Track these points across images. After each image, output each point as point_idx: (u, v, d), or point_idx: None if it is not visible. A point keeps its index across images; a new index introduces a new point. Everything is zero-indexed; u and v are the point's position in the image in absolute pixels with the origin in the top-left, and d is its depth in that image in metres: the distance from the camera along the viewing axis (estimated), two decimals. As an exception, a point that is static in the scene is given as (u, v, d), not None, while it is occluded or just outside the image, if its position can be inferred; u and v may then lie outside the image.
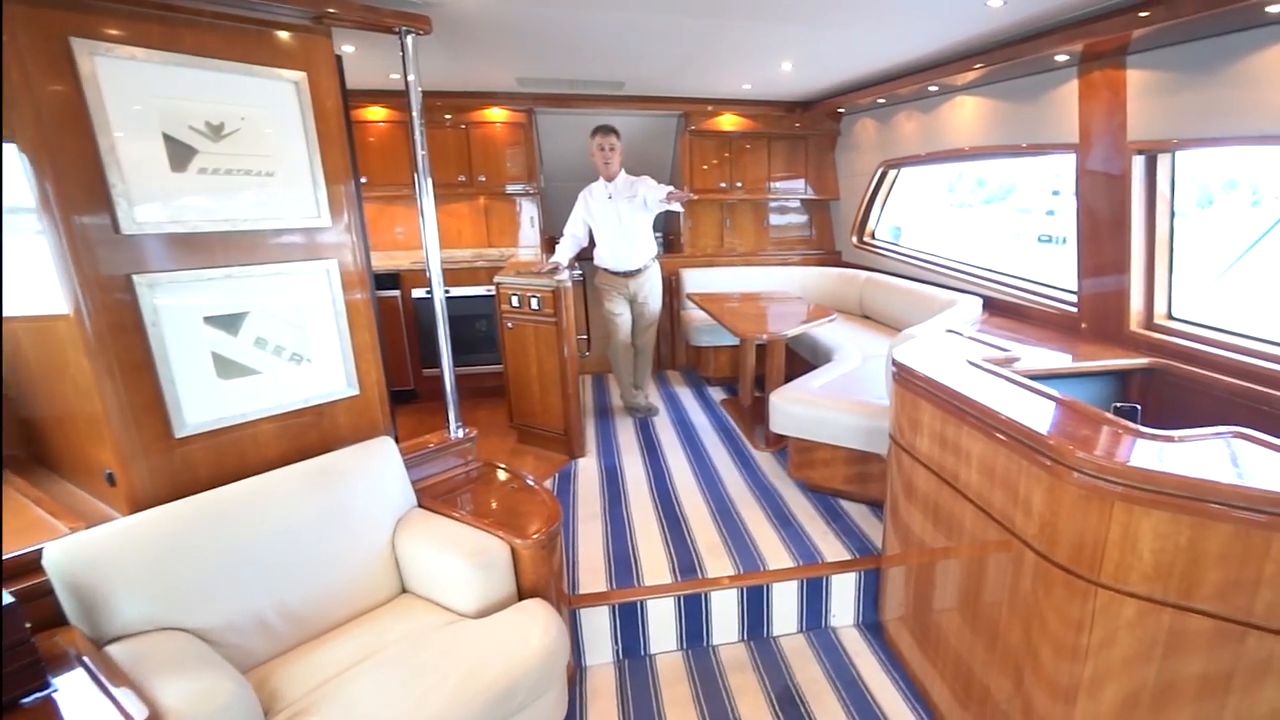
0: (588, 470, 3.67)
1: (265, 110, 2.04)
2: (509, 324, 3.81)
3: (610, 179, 4.06)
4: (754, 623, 2.61)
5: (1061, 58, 2.79)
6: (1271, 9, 1.98)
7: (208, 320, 2.00)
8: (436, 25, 2.57)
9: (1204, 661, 1.37)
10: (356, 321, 2.35)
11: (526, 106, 5.10)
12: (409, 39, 2.38)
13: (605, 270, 4.26)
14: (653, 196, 3.99)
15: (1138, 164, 2.68)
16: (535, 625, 1.91)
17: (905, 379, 2.27)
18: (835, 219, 5.90)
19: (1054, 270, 3.64)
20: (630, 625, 2.52)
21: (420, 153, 2.49)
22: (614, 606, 2.51)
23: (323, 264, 2.23)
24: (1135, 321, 2.86)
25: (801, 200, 5.94)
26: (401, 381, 4.89)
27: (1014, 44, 2.92)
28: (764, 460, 3.71)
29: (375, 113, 4.82)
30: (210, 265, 1.99)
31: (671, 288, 5.52)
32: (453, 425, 2.76)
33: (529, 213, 5.58)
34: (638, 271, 4.23)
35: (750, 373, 4.35)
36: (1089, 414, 1.74)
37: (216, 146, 1.95)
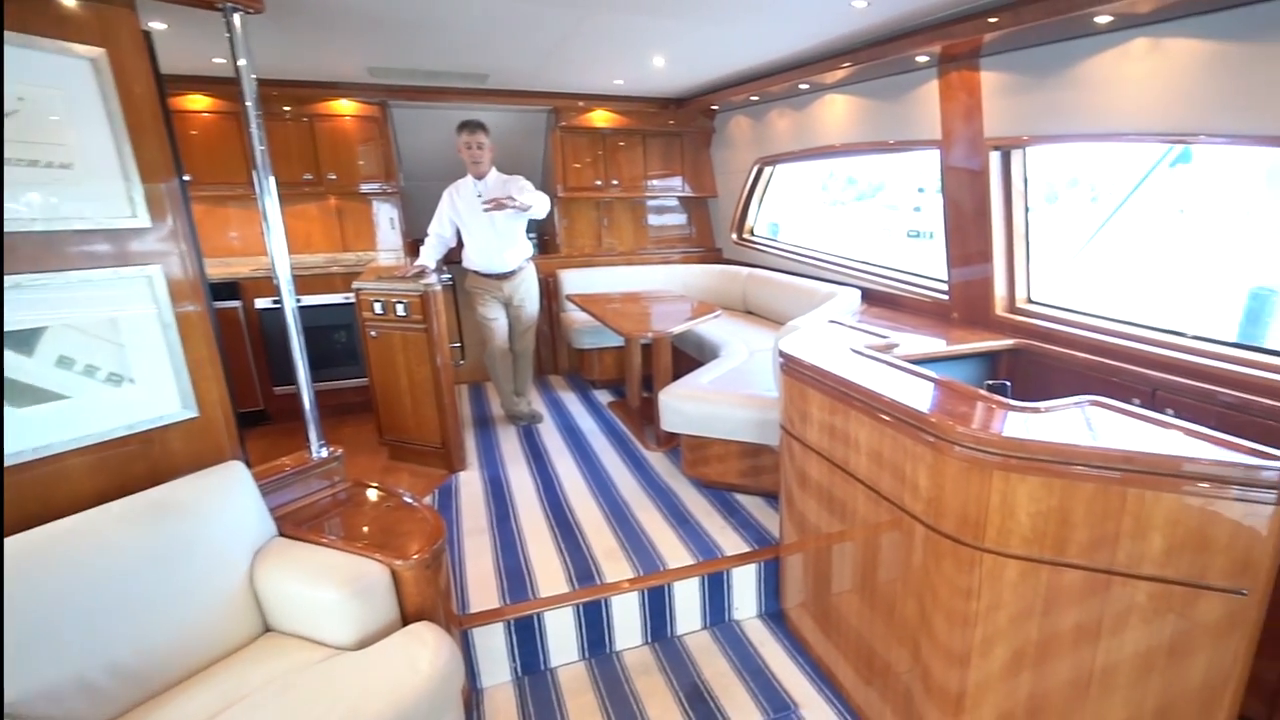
0: (470, 484, 3.56)
1: (51, 90, 1.77)
2: (372, 333, 3.64)
3: (480, 177, 3.98)
4: (657, 624, 2.63)
5: (922, 58, 3.05)
6: (1099, 19, 2.28)
7: (-10, 339, 1.71)
8: (270, 4, 2.39)
9: (1078, 611, 1.54)
10: (190, 335, 2.11)
11: (380, 99, 4.87)
12: (236, 18, 2.17)
13: (476, 273, 4.16)
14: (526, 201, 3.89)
15: (995, 159, 2.99)
16: (424, 650, 1.82)
17: (792, 369, 2.38)
18: (714, 216, 6.12)
19: (923, 263, 3.98)
20: (528, 640, 2.47)
21: (259, 148, 2.27)
22: (509, 622, 2.45)
23: (142, 271, 1.98)
24: (1000, 306, 3.19)
25: (679, 198, 6.11)
26: (249, 402, 4.52)
27: (878, 44, 3.16)
28: (657, 460, 3.76)
29: (197, 101, 4.41)
30: (-14, 273, 1.70)
31: (549, 290, 5.50)
32: (314, 444, 2.57)
33: (388, 214, 5.33)
34: (512, 273, 4.17)
35: (637, 373, 4.40)
36: (965, 392, 1.90)
37: (-16, 130, 1.68)
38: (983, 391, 1.89)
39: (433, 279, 3.56)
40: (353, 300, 3.77)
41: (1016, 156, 2.99)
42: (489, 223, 3.99)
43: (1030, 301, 3.17)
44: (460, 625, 2.39)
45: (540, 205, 3.97)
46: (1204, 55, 2.11)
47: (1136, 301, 2.94)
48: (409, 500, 2.41)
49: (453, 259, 4.32)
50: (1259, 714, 2.03)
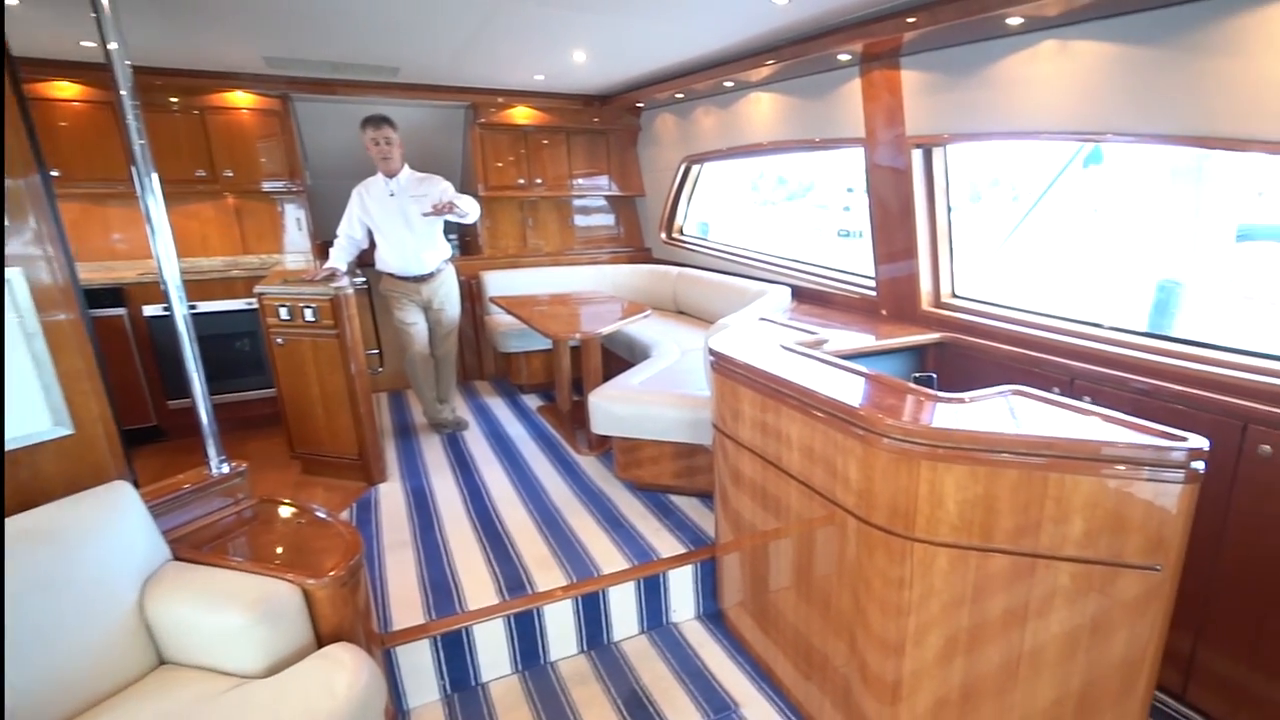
0: (391, 496, 3.45)
1: None
2: (279, 340, 3.47)
3: (392, 175, 3.87)
4: (593, 631, 2.60)
5: (844, 57, 3.14)
6: (1011, 21, 2.39)
7: None
8: (145, -18, 2.22)
9: (1005, 595, 1.60)
10: (61, 346, 1.93)
11: (280, 91, 4.64)
12: None
13: (392, 276, 4.04)
14: (463, 208, 3.88)
15: (917, 157, 3.11)
16: (341, 672, 1.73)
17: (723, 367, 2.40)
18: (643, 215, 6.14)
19: (853, 262, 4.10)
20: (456, 655, 2.40)
21: (138, 142, 2.08)
22: (435, 639, 2.36)
23: (-3, 277, 1.82)
24: (926, 301, 3.32)
25: (606, 197, 6.09)
26: (139, 418, 4.23)
27: (800, 42, 3.23)
28: (589, 464, 3.73)
29: (65, 89, 4.08)
30: None
31: (472, 292, 5.39)
32: (214, 460, 2.40)
33: (294, 214, 5.08)
34: (430, 276, 4.06)
35: (566, 376, 4.36)
36: (893, 385, 1.96)
37: None
38: (910, 384, 1.95)
39: (344, 282, 3.43)
40: (256, 306, 3.58)
41: (938, 154, 3.11)
42: (404, 223, 3.89)
43: (955, 296, 3.30)
44: (383, 644, 2.30)
45: (474, 212, 3.94)
46: (1108, 57, 2.24)
47: (1055, 295, 3.12)
48: (322, 515, 2.30)
49: (366, 261, 4.19)
50: (1175, 683, 2.19)
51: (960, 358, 3.02)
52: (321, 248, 4.97)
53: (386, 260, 3.99)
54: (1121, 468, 1.42)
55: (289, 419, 3.65)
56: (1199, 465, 1.38)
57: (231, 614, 1.77)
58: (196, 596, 1.84)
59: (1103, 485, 1.44)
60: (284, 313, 3.42)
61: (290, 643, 1.85)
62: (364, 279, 4.48)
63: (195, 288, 4.30)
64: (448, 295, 4.19)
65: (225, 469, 2.43)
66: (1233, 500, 1.96)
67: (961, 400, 1.77)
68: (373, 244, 4.03)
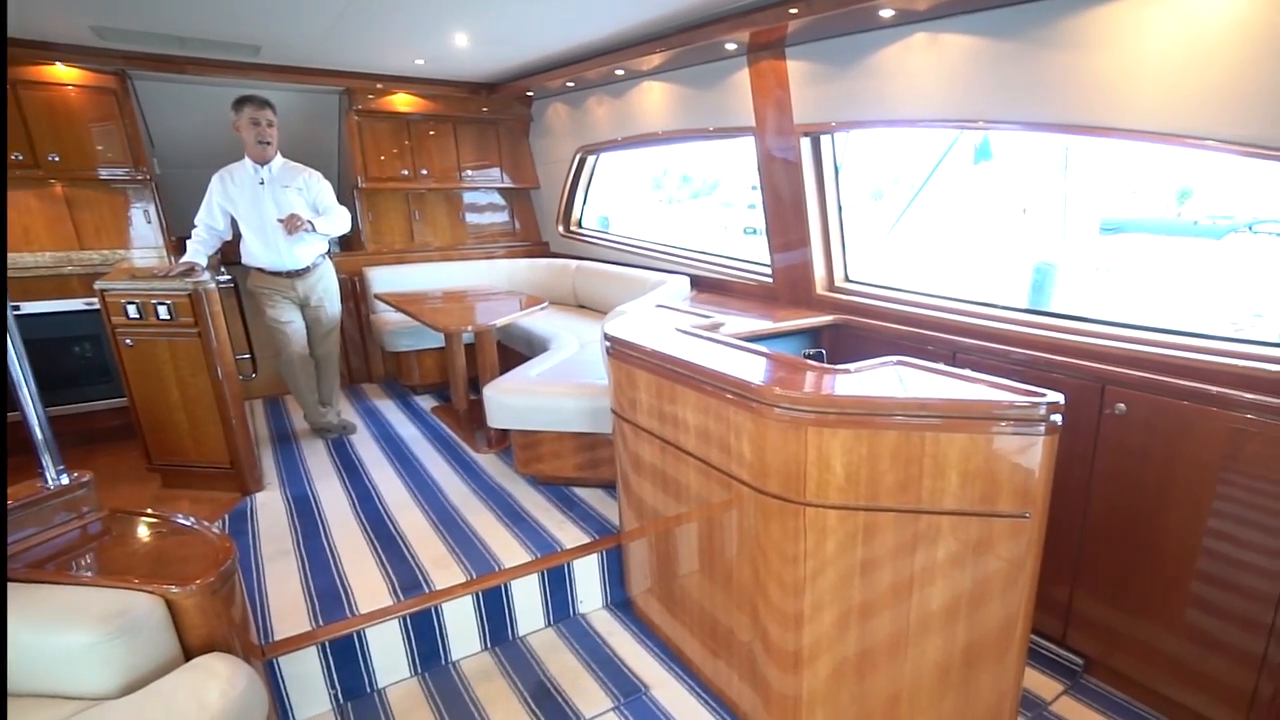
0: (270, 505, 3.28)
1: None
2: (128, 341, 3.20)
3: (265, 161, 3.68)
4: (496, 627, 2.58)
5: (731, 46, 3.26)
6: (884, 14, 2.57)
7: None
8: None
9: (893, 550, 1.72)
10: None
11: (115, 67, 4.22)
12: None
13: (262, 271, 3.81)
14: (327, 204, 3.82)
15: (805, 145, 3.27)
16: (213, 682, 1.65)
17: (619, 351, 2.44)
18: (538, 208, 6.11)
19: (759, 258, 4.22)
20: (348, 661, 2.32)
21: None
22: (323, 645, 2.28)
23: None
24: (820, 286, 3.51)
25: (500, 190, 6.02)
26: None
27: (688, 30, 3.33)
28: (488, 462, 3.68)
29: None
30: None
31: (355, 291, 5.21)
32: (50, 471, 2.18)
33: (142, 207, 4.61)
34: (306, 271, 3.87)
35: (461, 373, 4.28)
36: (783, 360, 2.06)
37: None
38: (799, 359, 2.05)
39: (205, 277, 3.22)
40: (95, 308, 3.27)
41: (826, 143, 3.28)
42: (276, 214, 3.67)
43: (848, 280, 3.51)
44: (263, 656, 2.19)
45: (341, 224, 3.85)
46: (973, 49, 2.45)
47: (947, 279, 3.37)
48: (185, 522, 2.16)
49: (231, 258, 3.96)
50: (1056, 630, 2.42)
51: (852, 337, 3.21)
52: (178, 244, 4.59)
53: (255, 255, 3.77)
54: (989, 424, 1.56)
55: (144, 428, 3.38)
56: (1057, 418, 1.53)
57: (77, 632, 1.64)
58: (31, 617, 1.69)
59: (973, 441, 1.57)
60: (132, 311, 3.15)
61: (152, 659, 1.73)
62: (229, 278, 4.14)
63: (18, 286, 3.90)
64: (326, 291, 4.02)
65: (65, 480, 2.22)
66: (1097, 456, 2.19)
67: (847, 370, 1.88)
68: (237, 236, 3.80)
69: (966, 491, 1.61)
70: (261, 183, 3.68)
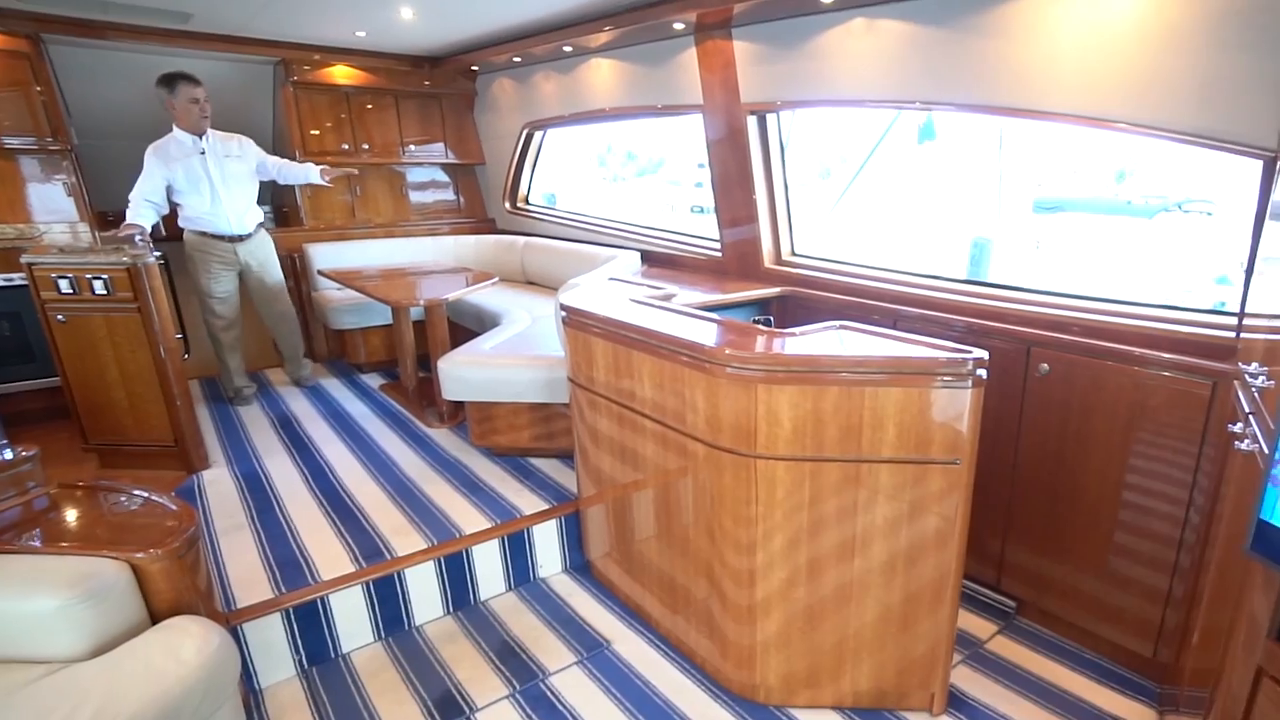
0: (219, 482, 3.29)
1: None
2: (59, 317, 3.14)
3: (202, 134, 3.88)
4: (459, 592, 2.68)
5: (679, 25, 3.38)
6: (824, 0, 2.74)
7: None
8: None
9: (837, 497, 1.90)
10: None
11: (28, 30, 4.02)
12: None
13: (206, 235, 3.98)
14: (277, 164, 4.24)
15: (752, 124, 3.43)
16: (188, 640, 1.72)
17: (575, 320, 2.56)
18: (484, 185, 6.12)
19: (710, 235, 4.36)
20: (312, 627, 2.39)
21: None
22: (287, 611, 2.34)
23: None
24: (768, 260, 3.70)
25: (444, 165, 5.99)
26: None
27: (636, 9, 3.43)
28: (442, 436, 3.75)
29: None
30: None
31: (296, 268, 5.15)
32: (-12, 446, 2.19)
33: (60, 179, 4.38)
34: (247, 237, 4.11)
35: (410, 350, 4.31)
36: (734, 325, 2.22)
37: None
38: (749, 324, 2.22)
39: (142, 249, 3.20)
40: (16, 283, 3.19)
41: (772, 121, 3.45)
42: (222, 181, 3.91)
43: (795, 254, 3.70)
44: (227, 623, 2.24)
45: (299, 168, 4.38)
46: (906, 35, 2.64)
47: (890, 253, 3.60)
48: (140, 493, 2.20)
49: (160, 236, 3.92)
50: (991, 577, 2.67)
51: (799, 307, 3.41)
52: (100, 218, 4.48)
53: (198, 219, 3.94)
54: (922, 379, 1.75)
55: (79, 407, 3.31)
56: (982, 373, 1.73)
57: (45, 597, 1.67)
58: (-1, 583, 1.72)
59: (908, 395, 1.77)
60: (65, 285, 3.09)
61: (120, 624, 1.78)
62: (160, 254, 4.04)
63: None
64: (268, 257, 4.29)
65: (8, 454, 2.22)
66: (1024, 414, 2.42)
67: (793, 334, 2.05)
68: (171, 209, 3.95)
69: (902, 441, 1.80)
70: (202, 153, 3.84)
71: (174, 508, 2.10)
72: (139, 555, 1.83)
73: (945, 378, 1.74)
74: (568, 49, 4.23)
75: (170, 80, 3.68)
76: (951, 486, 1.83)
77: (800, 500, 1.91)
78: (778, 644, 2.10)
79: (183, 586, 1.92)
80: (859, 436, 1.82)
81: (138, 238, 3.51)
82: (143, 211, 3.73)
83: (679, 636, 2.43)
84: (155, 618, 1.88)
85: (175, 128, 3.82)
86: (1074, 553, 2.39)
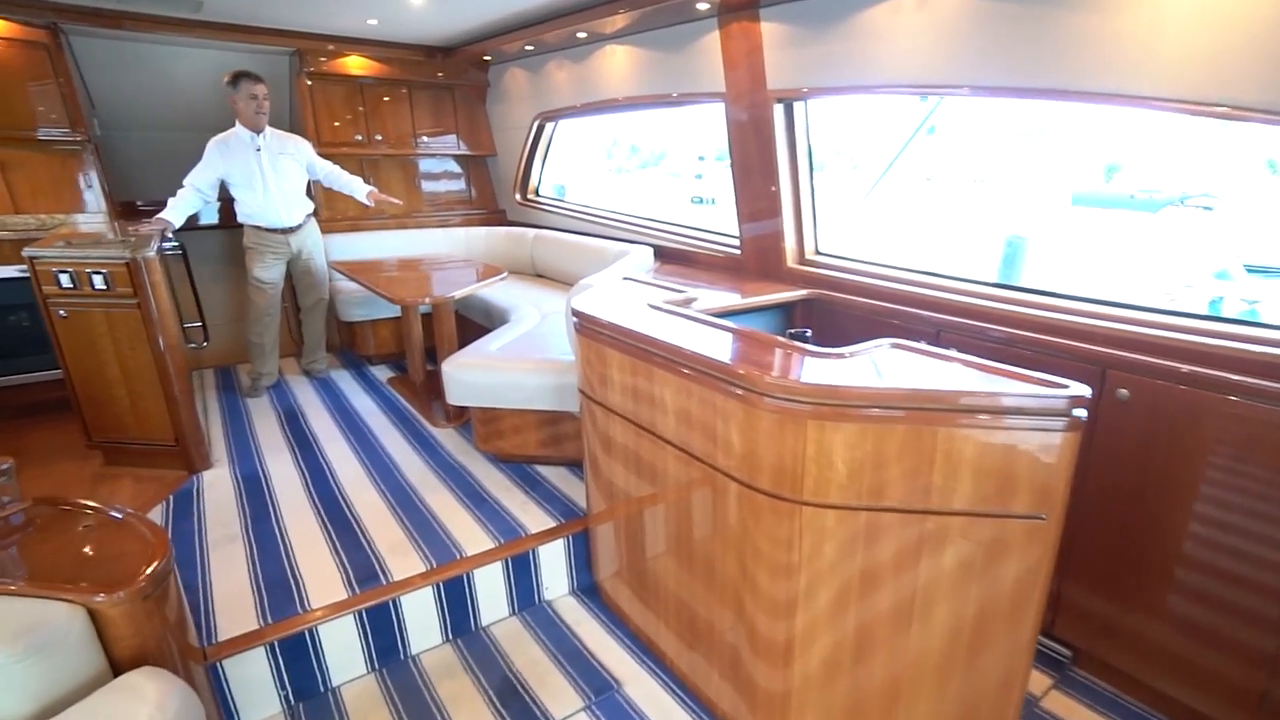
0: (218, 484, 2.92)
1: None
2: (61, 312, 2.84)
3: (260, 130, 3.77)
4: (458, 618, 2.30)
5: (702, 6, 2.91)
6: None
7: None
8: None
9: (895, 550, 1.49)
10: None
11: (46, 20, 3.70)
12: None
13: (260, 228, 3.90)
14: (326, 169, 4.10)
15: (778, 112, 2.94)
16: (142, 705, 1.36)
17: (588, 328, 2.15)
18: (495, 176, 5.67)
19: (708, 227, 3.95)
20: (299, 660, 2.03)
21: None
22: (271, 645, 1.98)
23: None
24: (791, 258, 3.18)
25: (456, 157, 5.56)
26: None
27: (657, -10, 2.97)
28: (446, 437, 3.35)
29: None
30: None
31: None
32: (-38, 460, 1.84)
33: (82, 171, 4.08)
34: (297, 228, 4.01)
35: (418, 345, 3.93)
36: (769, 341, 1.79)
37: None
38: (786, 340, 1.80)
39: (152, 246, 2.87)
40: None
41: (799, 109, 2.97)
42: (275, 178, 3.83)
43: (819, 253, 3.20)
44: (205, 659, 1.89)
45: (346, 176, 4.21)
46: (968, 9, 2.15)
47: (910, 253, 3.14)
48: (116, 514, 1.83)
49: (186, 227, 3.71)
50: (1044, 619, 2.14)
51: (828, 314, 2.93)
52: (122, 210, 4.18)
53: (253, 214, 3.86)
54: (1007, 419, 1.34)
55: (82, 404, 2.98)
56: (1081, 413, 1.32)
57: (-22, 651, 1.31)
58: (-76, 637, 1.36)
59: (990, 437, 1.35)
60: (65, 280, 2.78)
61: (72, 677, 1.43)
62: (176, 243, 3.77)
63: None
64: (315, 244, 4.15)
65: None
66: (1094, 441, 1.96)
67: (841, 355, 1.63)
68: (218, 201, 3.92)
69: (979, 490, 1.39)
70: (258, 149, 3.76)
71: (148, 535, 1.73)
72: (98, 599, 1.48)
73: (1036, 416, 1.33)
74: (581, 35, 3.77)
75: (235, 77, 3.63)
76: (1034, 545, 1.43)
77: (852, 555, 1.51)
78: (817, 695, 1.68)
79: (148, 630, 1.56)
80: (927, 484, 1.41)
81: (163, 232, 3.38)
82: (187, 198, 3.62)
83: (698, 682, 2.03)
84: (117, 665, 1.52)
85: (237, 123, 3.72)
86: (1148, 599, 1.93)
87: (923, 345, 1.67)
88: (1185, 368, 1.77)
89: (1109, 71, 1.87)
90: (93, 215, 4.11)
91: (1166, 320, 1.93)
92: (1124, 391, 1.87)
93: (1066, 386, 1.33)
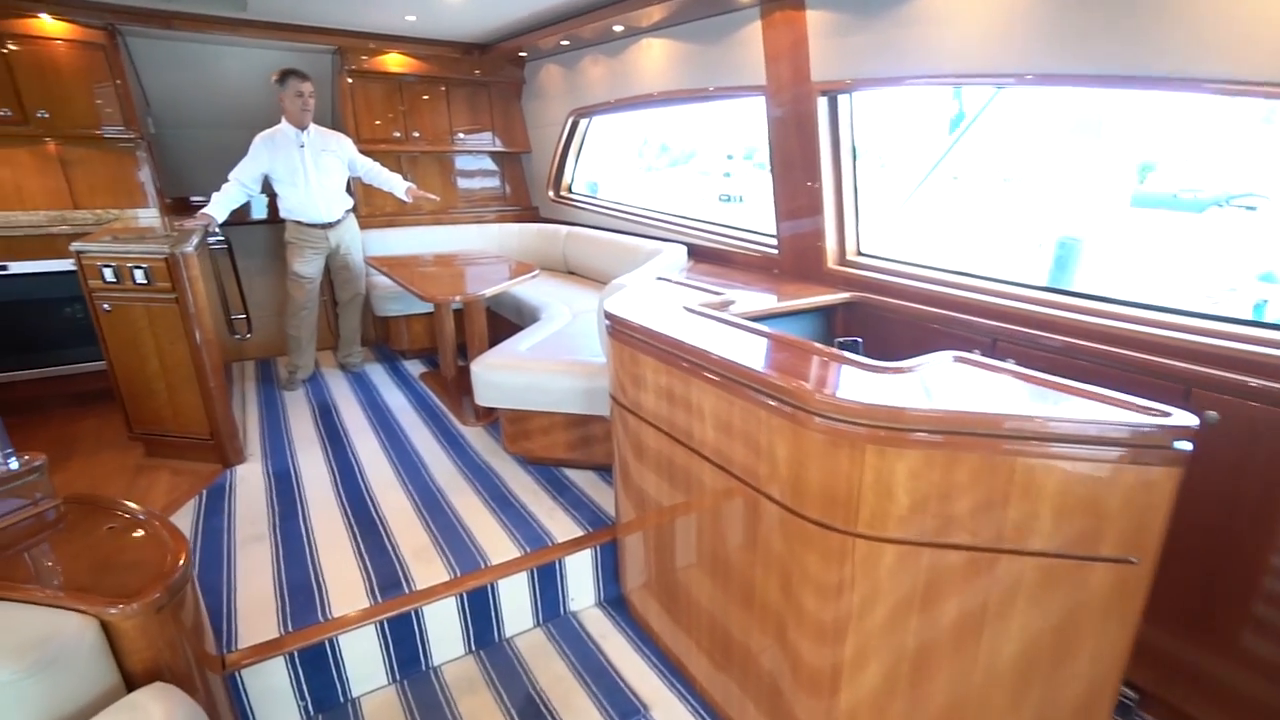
0: (250, 479, 2.84)
1: None
2: (105, 305, 2.80)
3: (305, 127, 3.72)
4: (481, 629, 2.16)
5: (744, -4, 2.72)
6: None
7: None
8: None
9: (961, 592, 1.30)
10: None
11: (104, 22, 3.72)
12: None
13: (300, 223, 3.83)
14: (367, 166, 4.03)
15: (822, 105, 2.72)
16: (148, 721, 1.24)
17: (621, 332, 1.98)
18: (529, 173, 5.53)
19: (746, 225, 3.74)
20: (319, 671, 1.91)
21: None
22: (291, 655, 1.86)
23: None
24: (831, 259, 2.95)
25: (491, 154, 5.43)
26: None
27: (697, -20, 2.78)
28: (475, 436, 3.22)
29: None
30: None
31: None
32: (-3, 452, 1.75)
33: (135, 167, 4.12)
34: (337, 223, 3.93)
35: (450, 341, 3.81)
36: (819, 352, 1.59)
37: None
38: (837, 351, 1.60)
39: (193, 242, 2.83)
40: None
41: (843, 102, 2.75)
42: (317, 174, 3.77)
43: (860, 254, 2.95)
44: (224, 669, 1.79)
45: (386, 173, 4.12)
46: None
47: (951, 254, 2.89)
48: (141, 516, 1.73)
49: (231, 221, 3.69)
50: (1151, 680, 1.92)
51: (872, 319, 2.69)
52: (173, 205, 4.20)
53: (294, 209, 3.80)
54: (1098, 449, 1.13)
55: (124, 395, 2.93)
56: (1185, 445, 1.11)
57: (-19, 671, 1.20)
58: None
59: (1076, 469, 1.15)
60: (109, 274, 2.74)
61: (83, 693, 1.32)
62: (221, 237, 3.75)
63: (6, 245, 3.45)
64: (353, 239, 4.07)
65: (14, 464, 1.77)
66: None
67: (900, 370, 1.43)
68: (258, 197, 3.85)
69: (1061, 529, 1.19)
70: (302, 146, 3.70)
71: (167, 541, 1.62)
72: (112, 611, 1.37)
73: (1132, 449, 1.13)
74: (618, 28, 3.59)
75: (284, 75, 3.60)
76: (1121, 592, 1.22)
77: (910, 595, 1.31)
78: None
79: (163, 640, 1.45)
80: (1001, 520, 1.21)
81: (208, 226, 3.42)
82: (231, 193, 3.58)
83: (731, 713, 1.85)
84: (130, 679, 1.42)
85: (283, 119, 3.67)
86: (1228, 643, 1.70)
87: (990, 360, 1.46)
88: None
89: (1206, 55, 1.61)
90: (145, 211, 4.14)
91: (1259, 334, 1.68)
92: (1213, 414, 1.62)
93: (1169, 414, 1.12)
